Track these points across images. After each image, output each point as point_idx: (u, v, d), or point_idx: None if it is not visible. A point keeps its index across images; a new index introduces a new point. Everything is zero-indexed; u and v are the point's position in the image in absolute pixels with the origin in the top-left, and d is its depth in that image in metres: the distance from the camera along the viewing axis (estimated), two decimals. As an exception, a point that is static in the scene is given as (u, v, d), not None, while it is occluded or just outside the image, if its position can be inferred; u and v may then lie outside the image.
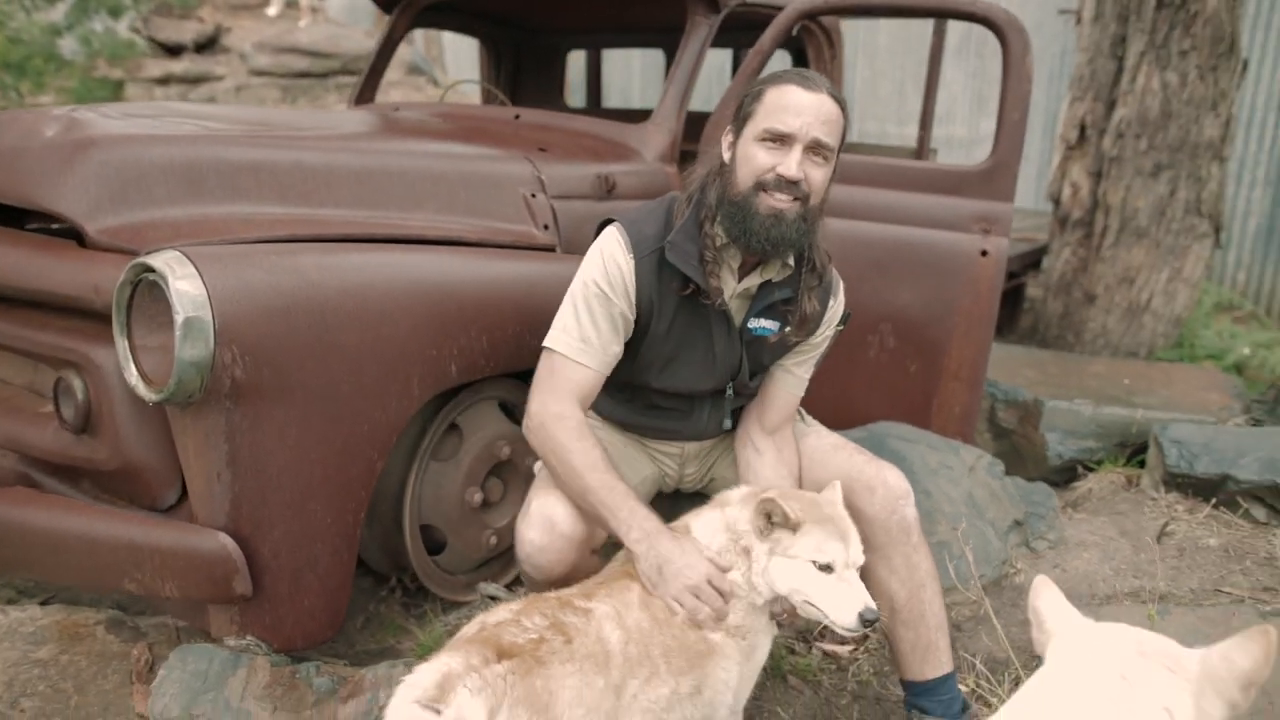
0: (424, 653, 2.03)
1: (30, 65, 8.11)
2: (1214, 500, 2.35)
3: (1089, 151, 4.26)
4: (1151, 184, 4.03)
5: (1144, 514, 2.38)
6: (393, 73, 6.66)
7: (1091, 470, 2.71)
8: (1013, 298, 4.98)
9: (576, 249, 2.43)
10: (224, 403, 1.55)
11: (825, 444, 1.86)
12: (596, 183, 2.53)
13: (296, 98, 6.06)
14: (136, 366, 1.57)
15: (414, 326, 1.79)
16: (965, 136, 7.13)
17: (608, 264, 1.63)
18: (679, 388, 1.76)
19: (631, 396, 1.84)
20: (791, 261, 1.66)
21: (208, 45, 6.42)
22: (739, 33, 3.26)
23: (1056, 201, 4.49)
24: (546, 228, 2.38)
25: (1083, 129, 4.28)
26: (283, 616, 1.69)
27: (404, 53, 6.75)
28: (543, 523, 1.62)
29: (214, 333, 1.50)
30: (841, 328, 1.81)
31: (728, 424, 1.85)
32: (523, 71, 4.28)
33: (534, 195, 2.39)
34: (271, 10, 6.81)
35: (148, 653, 1.79)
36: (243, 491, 1.60)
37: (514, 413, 2.29)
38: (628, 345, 1.71)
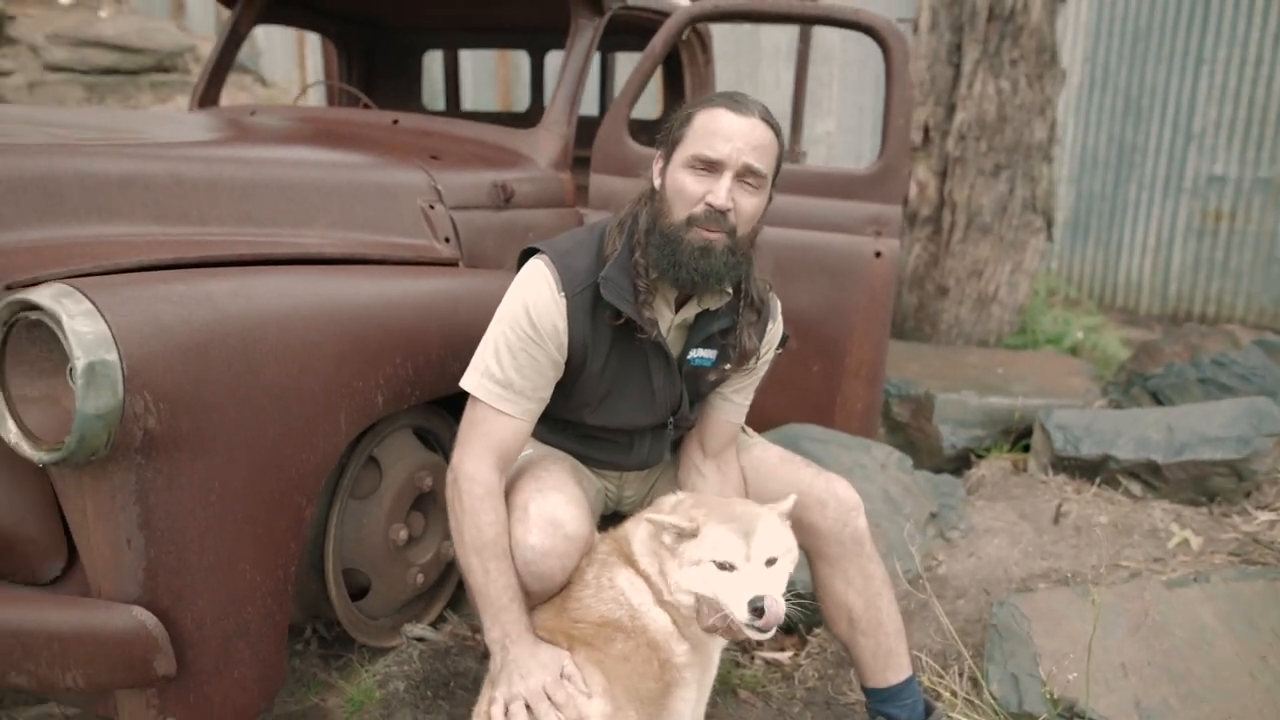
0: (355, 709, 1.86)
1: None
2: (1097, 479, 2.54)
3: (933, 152, 4.53)
4: (992, 183, 4.33)
5: (1038, 496, 2.54)
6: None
7: (981, 457, 2.87)
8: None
9: (478, 262, 2.30)
10: (134, 458, 1.33)
11: (771, 457, 1.85)
12: (494, 191, 2.42)
13: (104, 97, 5.40)
14: (17, 422, 1.33)
15: (340, 356, 1.63)
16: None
17: (536, 305, 1.53)
18: (617, 424, 1.69)
19: (567, 429, 1.76)
20: (730, 289, 1.60)
21: (-9, 37, 5.65)
22: (614, 36, 3.21)
23: (905, 199, 4.74)
24: (448, 240, 2.24)
25: (926, 131, 4.54)
26: (209, 694, 1.48)
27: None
28: (545, 526, 1.51)
29: (123, 379, 1.29)
30: (780, 350, 1.78)
31: (669, 457, 1.81)
32: (376, 73, 4.05)
33: (432, 206, 2.25)
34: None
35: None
36: (159, 558, 1.39)
37: (429, 439, 2.14)
38: (561, 384, 1.62)
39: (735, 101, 1.49)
